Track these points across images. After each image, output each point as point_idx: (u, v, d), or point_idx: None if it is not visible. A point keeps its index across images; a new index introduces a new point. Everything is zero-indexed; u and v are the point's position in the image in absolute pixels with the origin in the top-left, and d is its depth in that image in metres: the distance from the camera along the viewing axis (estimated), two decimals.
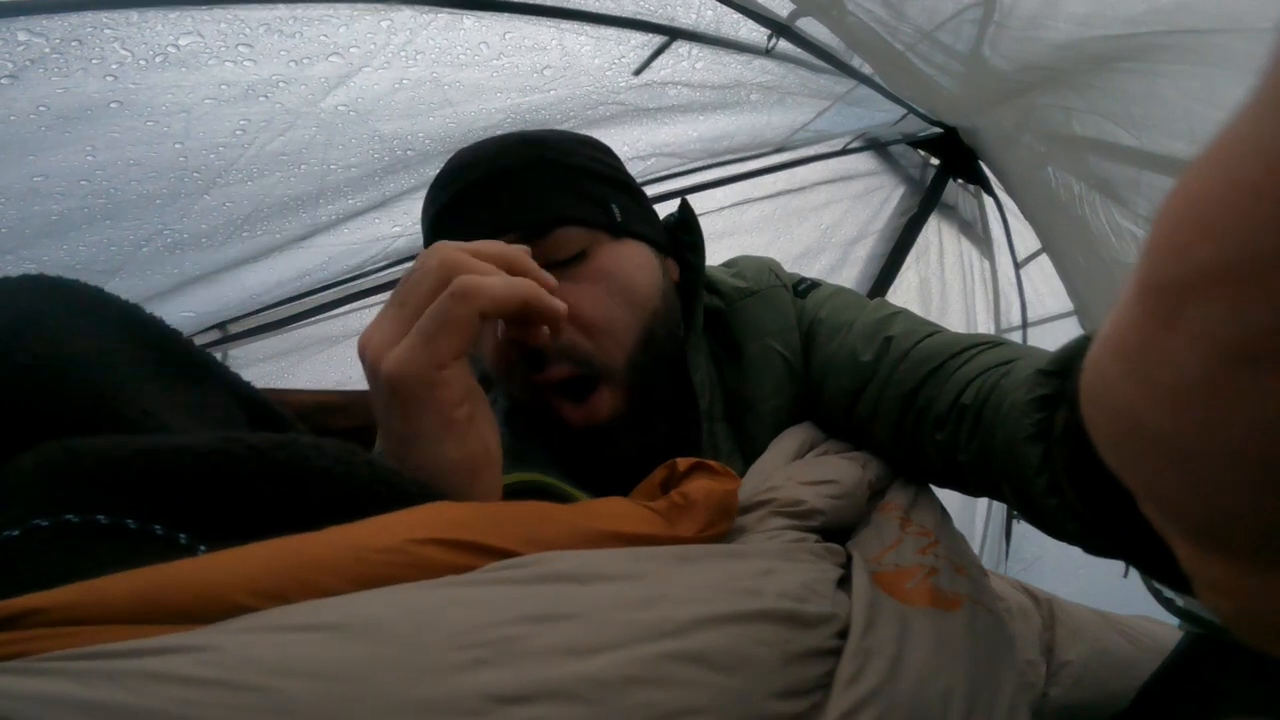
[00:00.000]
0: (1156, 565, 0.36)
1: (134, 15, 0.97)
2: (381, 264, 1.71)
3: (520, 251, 0.50)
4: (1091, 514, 0.39)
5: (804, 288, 0.76)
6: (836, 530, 0.54)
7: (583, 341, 0.63)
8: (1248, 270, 0.12)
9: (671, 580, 0.38)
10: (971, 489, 0.59)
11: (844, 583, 0.47)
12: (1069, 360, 0.42)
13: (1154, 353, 0.14)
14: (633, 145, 1.73)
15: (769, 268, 0.77)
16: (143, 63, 1.01)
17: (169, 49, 1.02)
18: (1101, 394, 0.17)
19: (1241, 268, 0.13)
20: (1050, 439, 0.42)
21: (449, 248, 0.47)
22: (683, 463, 0.51)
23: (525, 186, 0.64)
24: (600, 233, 0.65)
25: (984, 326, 2.46)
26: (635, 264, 0.67)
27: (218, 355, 1.59)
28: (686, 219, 0.76)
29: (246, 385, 0.50)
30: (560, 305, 0.49)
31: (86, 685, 0.24)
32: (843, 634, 0.42)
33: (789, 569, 0.44)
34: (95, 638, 0.27)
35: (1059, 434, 0.41)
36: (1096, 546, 0.42)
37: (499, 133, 0.68)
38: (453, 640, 0.30)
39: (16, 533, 0.31)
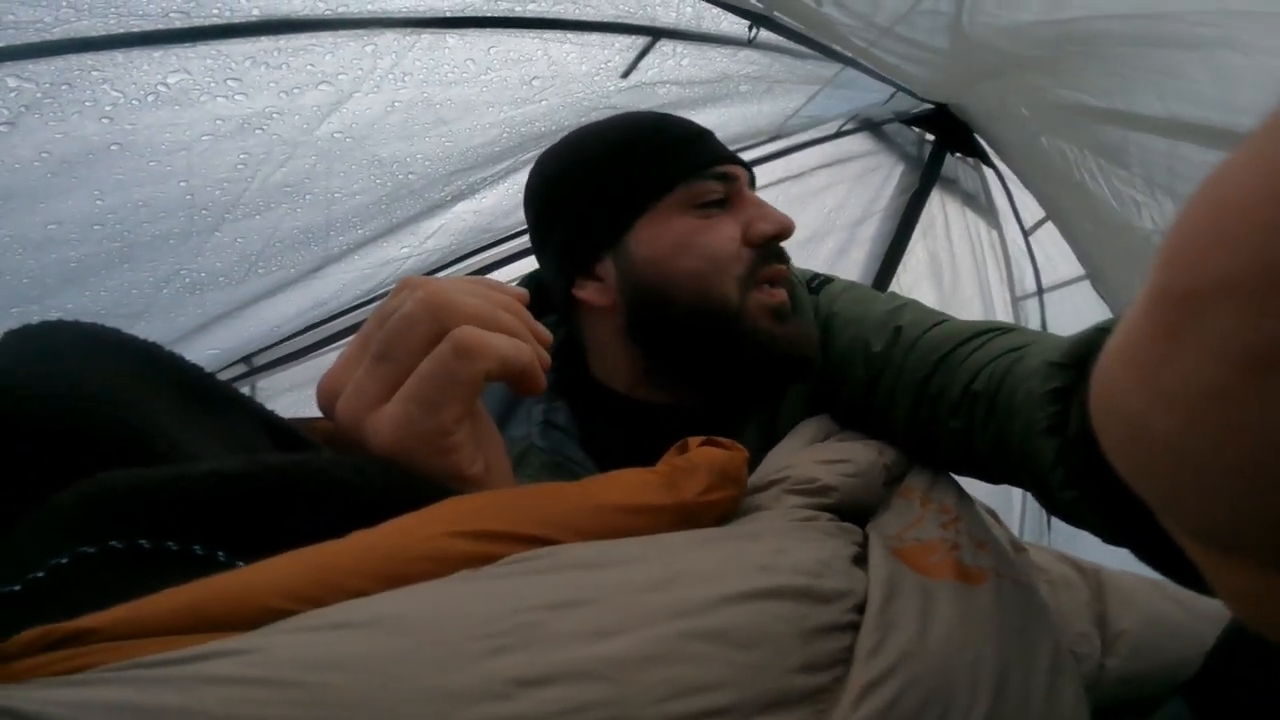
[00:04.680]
0: (1174, 562, 0.35)
1: (118, 56, 0.98)
2: (393, 286, 1.72)
3: (519, 293, 0.46)
4: (1109, 507, 0.39)
5: (817, 284, 0.76)
6: (853, 512, 0.54)
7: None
8: (1263, 280, 0.13)
9: (685, 562, 0.39)
10: (992, 476, 0.59)
11: (861, 561, 0.47)
12: (1082, 353, 0.41)
13: (1166, 362, 0.14)
14: None
15: None
16: (135, 102, 1.03)
17: (159, 87, 1.04)
18: (1113, 403, 0.16)
19: (1257, 277, 0.13)
20: (1066, 432, 0.41)
21: (433, 285, 0.42)
22: (693, 441, 0.51)
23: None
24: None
25: (999, 296, 2.43)
26: None
27: (245, 388, 1.63)
28: None
29: (271, 414, 0.52)
30: (542, 382, 0.45)
31: (144, 691, 0.26)
32: (860, 609, 0.43)
33: (802, 547, 0.44)
34: (146, 650, 0.28)
35: (1074, 430, 0.40)
36: (1116, 537, 0.41)
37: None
38: (474, 630, 0.31)
39: (65, 560, 0.32)
